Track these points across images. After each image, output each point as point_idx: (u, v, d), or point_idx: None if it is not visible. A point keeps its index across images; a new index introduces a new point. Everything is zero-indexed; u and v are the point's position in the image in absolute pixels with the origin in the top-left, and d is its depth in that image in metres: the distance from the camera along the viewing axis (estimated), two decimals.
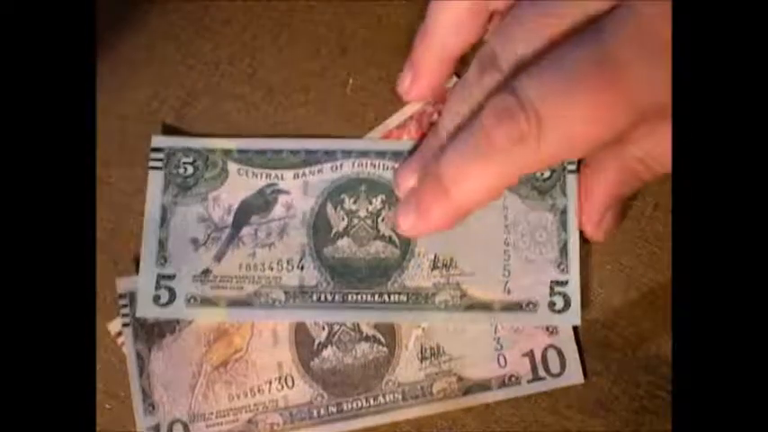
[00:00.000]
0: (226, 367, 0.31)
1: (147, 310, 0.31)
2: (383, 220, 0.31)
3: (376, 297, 0.31)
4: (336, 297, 0.31)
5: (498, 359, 0.31)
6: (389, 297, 0.31)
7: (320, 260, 0.31)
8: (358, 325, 0.31)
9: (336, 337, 0.31)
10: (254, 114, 0.33)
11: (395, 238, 0.31)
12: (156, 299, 0.31)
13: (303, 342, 0.31)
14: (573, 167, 0.31)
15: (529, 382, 0.31)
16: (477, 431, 0.31)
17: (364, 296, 0.31)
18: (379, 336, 0.31)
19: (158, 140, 0.32)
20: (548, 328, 0.31)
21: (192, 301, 0.31)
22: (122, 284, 0.32)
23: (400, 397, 0.31)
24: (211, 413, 0.31)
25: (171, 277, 0.31)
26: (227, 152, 0.32)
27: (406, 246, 0.31)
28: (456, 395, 0.31)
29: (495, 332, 0.31)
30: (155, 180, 0.32)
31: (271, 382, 0.31)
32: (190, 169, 0.32)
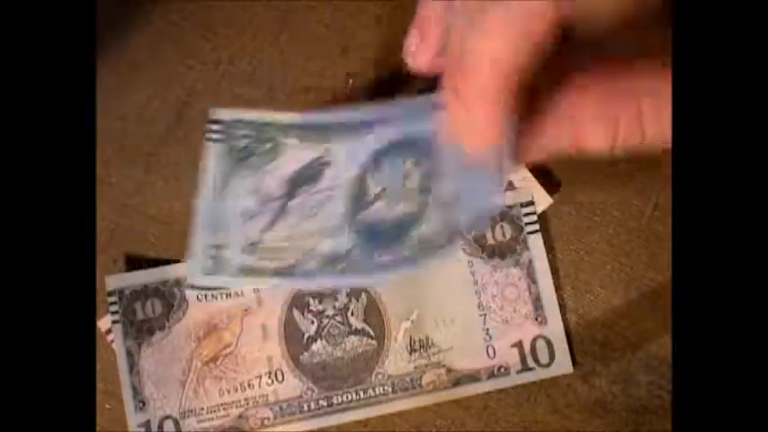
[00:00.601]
0: (216, 363, 0.31)
1: (196, 278, 0.31)
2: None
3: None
4: (367, 262, 0.31)
5: (487, 350, 0.31)
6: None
7: (355, 225, 0.31)
8: (347, 318, 0.32)
9: (326, 330, 0.31)
10: None
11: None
12: (205, 268, 0.31)
13: (292, 336, 0.31)
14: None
15: (518, 372, 0.31)
16: (477, 430, 0.31)
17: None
18: (368, 329, 0.32)
19: (218, 113, 0.32)
20: (537, 318, 0.31)
21: (239, 271, 0.31)
22: (112, 282, 0.32)
23: (390, 389, 0.31)
24: (202, 408, 0.31)
25: (221, 247, 0.31)
26: (281, 126, 0.32)
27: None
28: (445, 387, 0.31)
29: (485, 323, 0.31)
30: (213, 151, 0.31)
31: (261, 377, 0.31)
32: (244, 142, 0.32)
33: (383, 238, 0.31)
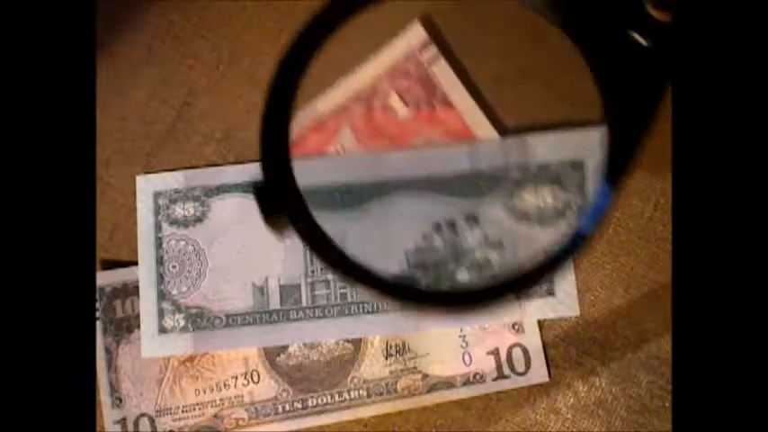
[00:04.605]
0: (192, 362, 0.31)
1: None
2: None
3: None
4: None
5: (463, 357, 0.31)
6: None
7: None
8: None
9: None
10: (254, 114, 0.33)
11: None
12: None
13: None
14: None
15: (494, 380, 0.31)
16: (477, 430, 0.31)
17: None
18: None
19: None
20: (513, 326, 0.31)
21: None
22: None
23: (365, 393, 0.31)
24: (178, 407, 0.31)
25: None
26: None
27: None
28: (420, 392, 0.31)
29: (461, 330, 0.31)
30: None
31: (237, 378, 0.31)
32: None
33: None
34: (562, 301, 0.31)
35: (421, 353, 0.31)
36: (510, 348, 0.31)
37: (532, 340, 0.31)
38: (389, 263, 0.25)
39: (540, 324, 0.31)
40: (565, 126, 0.23)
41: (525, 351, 0.31)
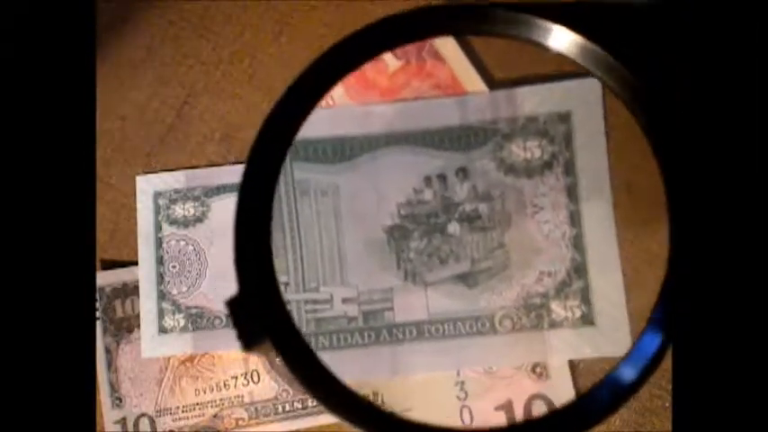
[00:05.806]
0: (192, 362, 0.31)
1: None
2: None
3: None
4: None
5: (461, 413, 0.24)
6: None
7: None
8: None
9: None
10: (254, 114, 0.33)
11: None
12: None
13: None
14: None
15: None
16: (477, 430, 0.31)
17: None
18: None
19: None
20: (534, 370, 0.23)
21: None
22: None
23: None
24: (177, 407, 0.31)
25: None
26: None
27: None
28: None
29: (458, 374, 0.24)
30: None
31: (237, 378, 0.31)
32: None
33: None
34: (605, 332, 0.22)
35: (401, 407, 0.24)
36: (529, 401, 0.23)
37: (560, 389, 0.23)
38: (381, 216, 0.24)
39: (573, 366, 0.24)
40: (553, 78, 0.23)
41: (551, 405, 0.23)
